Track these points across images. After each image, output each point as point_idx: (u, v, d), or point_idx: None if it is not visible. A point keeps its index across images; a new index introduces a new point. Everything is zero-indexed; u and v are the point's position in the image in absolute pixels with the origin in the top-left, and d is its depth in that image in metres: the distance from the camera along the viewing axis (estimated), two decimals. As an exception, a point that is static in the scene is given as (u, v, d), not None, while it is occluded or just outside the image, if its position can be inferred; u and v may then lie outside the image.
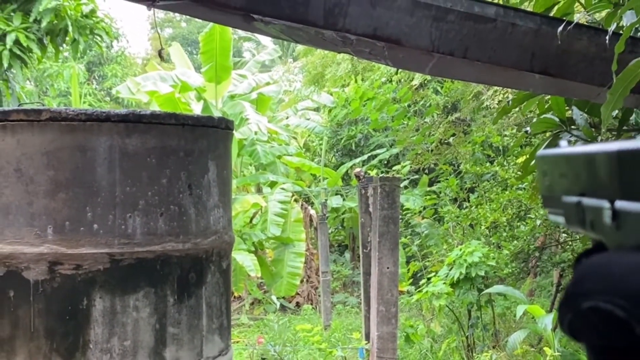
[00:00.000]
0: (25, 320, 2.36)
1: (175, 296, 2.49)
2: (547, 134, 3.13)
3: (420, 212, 12.67)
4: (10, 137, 2.38)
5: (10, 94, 8.16)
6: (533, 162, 3.26)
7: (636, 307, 0.42)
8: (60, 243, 2.35)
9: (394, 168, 14.01)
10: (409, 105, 12.90)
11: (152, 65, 15.74)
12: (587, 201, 0.52)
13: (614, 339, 0.44)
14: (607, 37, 2.28)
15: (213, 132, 2.68)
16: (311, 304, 13.05)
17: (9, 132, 2.39)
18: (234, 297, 11.99)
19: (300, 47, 20.81)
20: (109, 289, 2.38)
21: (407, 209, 12.25)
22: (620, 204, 0.47)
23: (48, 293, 2.36)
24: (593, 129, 2.90)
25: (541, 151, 0.62)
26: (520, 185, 8.75)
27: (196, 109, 12.67)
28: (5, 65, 7.47)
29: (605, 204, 0.49)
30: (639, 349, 0.42)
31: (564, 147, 0.58)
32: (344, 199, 14.27)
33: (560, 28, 2.34)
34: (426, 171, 13.54)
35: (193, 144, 2.57)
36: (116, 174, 2.40)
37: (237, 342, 8.88)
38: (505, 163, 9.72)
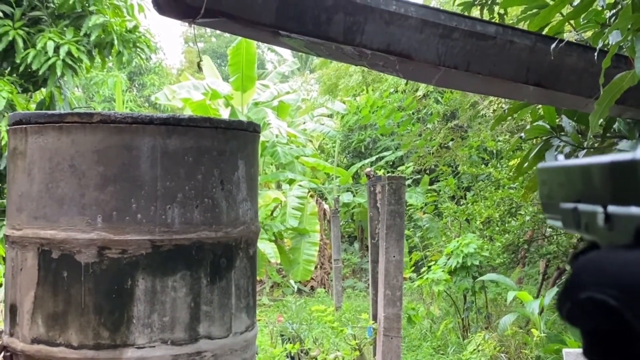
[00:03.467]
0: (76, 298, 2.37)
1: (208, 278, 2.50)
2: (538, 140, 3.12)
3: (422, 207, 12.64)
4: (66, 136, 2.40)
5: (63, 99, 8.20)
6: (525, 164, 3.24)
7: (626, 296, 0.43)
8: (108, 230, 2.37)
9: (399, 168, 13.98)
10: (413, 113, 12.89)
11: (185, 76, 15.79)
12: (583, 207, 0.52)
13: (607, 324, 0.45)
14: (595, 54, 2.27)
15: (242, 134, 2.68)
16: (324, 288, 13.06)
17: (64, 133, 2.40)
18: (256, 280, 11.99)
19: (316, 60, 20.80)
20: (150, 271, 2.39)
21: (411, 205, 12.23)
22: (612, 208, 0.47)
23: (97, 274, 2.37)
24: (580, 136, 2.89)
25: (541, 163, 0.63)
26: (511, 185, 8.73)
27: (224, 115, 12.68)
28: (59, 73, 7.51)
29: (599, 208, 0.49)
30: (629, 332, 0.43)
31: (562, 161, 0.59)
32: (354, 195, 14.27)
33: (552, 45, 2.33)
34: (427, 172, 13.51)
35: (225, 145, 2.57)
36: (158, 170, 2.41)
37: (259, 320, 8.88)
38: (498, 165, 9.70)
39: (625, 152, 0.46)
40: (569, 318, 0.48)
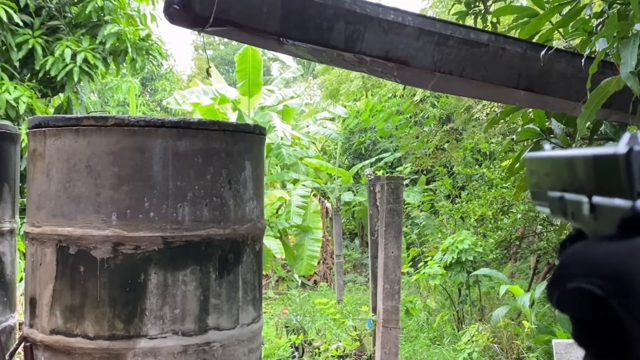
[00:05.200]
0: (92, 291, 2.38)
1: (217, 273, 2.50)
2: (529, 142, 3.12)
3: (419, 206, 12.62)
4: (82, 139, 2.41)
5: (79, 103, 8.21)
6: (516, 165, 3.24)
7: (611, 286, 0.43)
8: (122, 227, 2.37)
9: (397, 169, 13.97)
10: (410, 117, 12.88)
11: (195, 82, 15.79)
12: (569, 196, 0.52)
13: (594, 312, 0.45)
14: (583, 60, 2.27)
15: (249, 137, 2.69)
16: (326, 282, 13.05)
17: (81, 135, 2.41)
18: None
19: (319, 67, 20.79)
20: (162, 266, 2.40)
21: (408, 204, 12.21)
22: (596, 199, 0.47)
23: (112, 269, 2.38)
24: (568, 138, 2.88)
25: (529, 153, 0.62)
26: (504, 185, 8.71)
27: (232, 118, 12.67)
28: (76, 79, 7.52)
29: (584, 198, 0.49)
30: (614, 319, 0.43)
31: (548, 151, 0.58)
32: (354, 195, 14.25)
33: (542, 52, 2.33)
34: (424, 172, 13.50)
35: (232, 147, 2.58)
36: (169, 170, 2.41)
37: (265, 312, 8.88)
38: (491, 166, 9.68)
39: (608, 146, 0.46)
40: (559, 306, 0.49)
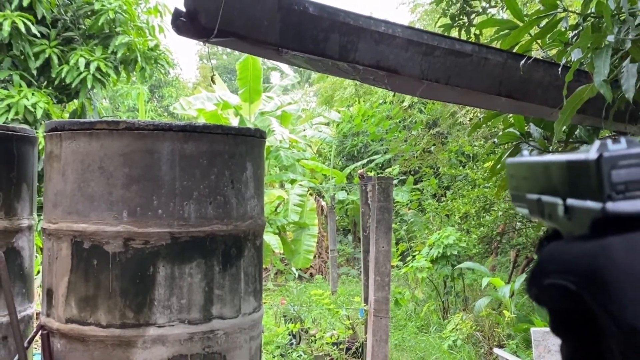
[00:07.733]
0: (105, 283, 2.37)
1: (220, 266, 2.50)
2: (509, 145, 3.12)
3: (407, 204, 12.64)
4: (95, 142, 2.40)
5: (93, 109, 8.19)
6: (498, 166, 3.25)
7: (583, 282, 0.43)
8: (132, 224, 2.37)
9: (387, 170, 13.98)
10: (399, 122, 12.90)
11: (199, 89, 15.75)
12: (545, 198, 0.52)
13: (569, 305, 0.46)
14: (559, 69, 2.27)
15: (250, 140, 2.68)
16: (322, 275, 13.05)
17: (94, 138, 2.40)
18: (262, 268, 11.90)
19: (315, 75, 20.78)
20: (169, 260, 2.39)
21: (397, 202, 12.23)
22: (570, 201, 0.48)
23: (123, 262, 2.37)
24: (546, 141, 2.89)
25: (509, 159, 0.62)
26: (486, 185, 8.73)
27: (234, 123, 12.64)
28: (89, 86, 7.50)
29: (559, 201, 0.49)
30: (586, 311, 0.44)
31: (526, 156, 0.58)
32: (348, 194, 14.26)
33: (522, 62, 2.33)
34: (412, 173, 13.52)
35: (235, 149, 2.57)
36: (176, 171, 2.41)
37: (265, 303, 8.86)
38: (474, 167, 9.70)
39: (580, 152, 0.46)
40: (537, 300, 0.49)
